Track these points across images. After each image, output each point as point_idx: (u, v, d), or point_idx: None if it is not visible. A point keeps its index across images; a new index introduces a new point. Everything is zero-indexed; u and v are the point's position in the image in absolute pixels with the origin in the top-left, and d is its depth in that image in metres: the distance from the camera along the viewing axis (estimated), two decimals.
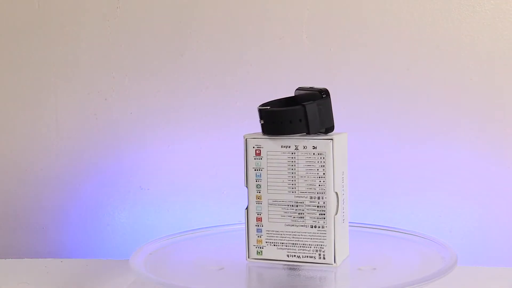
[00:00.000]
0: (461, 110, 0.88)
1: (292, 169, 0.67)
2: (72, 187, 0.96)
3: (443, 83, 0.88)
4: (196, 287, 0.66)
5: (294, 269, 0.68)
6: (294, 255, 0.68)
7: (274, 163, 0.68)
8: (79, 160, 0.95)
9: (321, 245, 0.67)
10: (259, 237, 0.69)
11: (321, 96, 0.68)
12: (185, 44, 0.93)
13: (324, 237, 0.67)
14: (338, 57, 0.90)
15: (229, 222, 0.85)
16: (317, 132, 0.68)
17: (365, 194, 0.89)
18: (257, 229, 0.69)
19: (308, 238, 0.68)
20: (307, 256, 0.68)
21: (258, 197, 0.69)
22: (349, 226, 0.72)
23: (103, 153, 0.95)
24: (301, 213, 0.68)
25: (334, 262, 0.67)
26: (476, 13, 0.87)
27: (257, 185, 0.69)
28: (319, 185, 0.67)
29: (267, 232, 0.69)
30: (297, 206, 0.68)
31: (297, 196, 0.68)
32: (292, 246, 0.68)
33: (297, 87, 0.73)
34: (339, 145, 0.68)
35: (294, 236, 0.68)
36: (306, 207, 0.67)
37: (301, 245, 0.68)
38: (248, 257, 0.70)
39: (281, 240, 0.69)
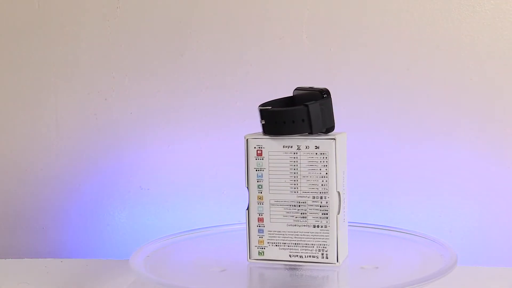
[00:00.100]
0: (461, 110, 0.88)
1: (294, 169, 0.67)
2: (72, 187, 0.95)
3: (443, 83, 0.88)
4: (196, 287, 0.66)
5: (295, 269, 0.69)
6: (297, 255, 0.68)
7: (276, 163, 0.68)
8: (79, 160, 0.95)
9: (324, 244, 0.67)
10: (260, 238, 0.69)
11: (322, 96, 0.68)
12: (185, 44, 0.92)
13: (327, 237, 0.67)
14: (338, 57, 0.90)
15: (229, 222, 0.85)
16: (319, 132, 0.68)
17: (365, 194, 0.89)
18: (258, 230, 0.69)
19: (311, 238, 0.68)
20: (310, 256, 0.68)
21: (260, 198, 0.69)
22: (350, 226, 0.72)
23: (103, 153, 0.95)
24: (303, 213, 0.68)
25: (337, 261, 0.67)
26: (476, 13, 0.87)
27: (258, 186, 0.69)
28: (322, 184, 0.67)
29: (269, 232, 0.69)
30: (299, 206, 0.68)
31: (300, 196, 0.68)
32: (294, 246, 0.68)
33: (295, 87, 0.73)
34: (341, 145, 0.68)
35: (296, 236, 0.68)
36: (309, 207, 0.67)
37: (304, 245, 0.68)
38: (250, 258, 0.70)
39: (283, 240, 0.69)
